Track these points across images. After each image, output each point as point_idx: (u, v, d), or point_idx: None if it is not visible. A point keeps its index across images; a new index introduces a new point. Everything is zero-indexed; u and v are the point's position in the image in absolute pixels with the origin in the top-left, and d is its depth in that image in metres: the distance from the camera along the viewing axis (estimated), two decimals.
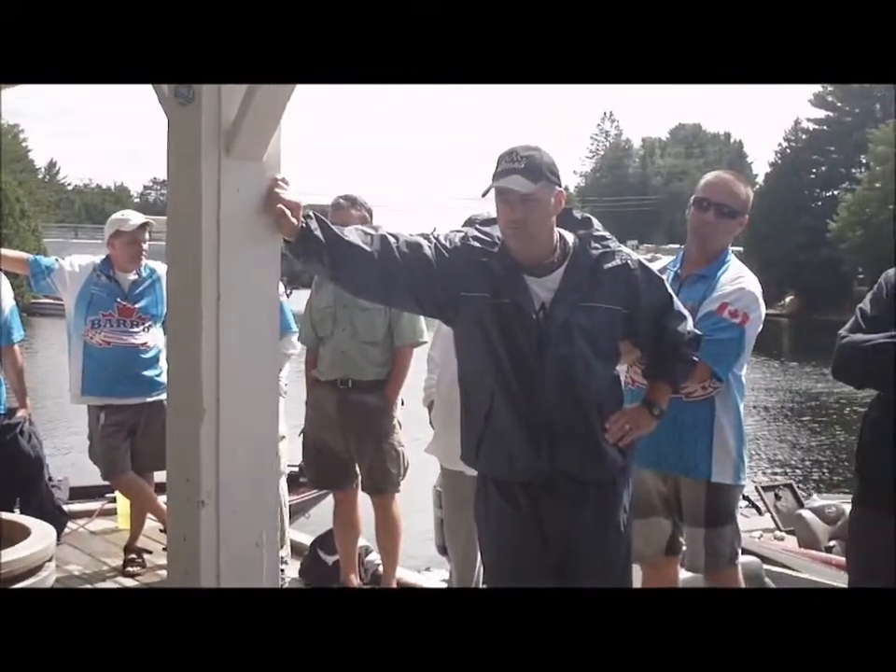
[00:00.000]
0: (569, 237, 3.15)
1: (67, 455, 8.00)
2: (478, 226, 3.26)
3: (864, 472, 3.23)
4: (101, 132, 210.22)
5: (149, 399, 5.48)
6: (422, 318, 4.93)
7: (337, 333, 4.97)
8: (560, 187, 3.09)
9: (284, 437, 5.42)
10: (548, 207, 3.04)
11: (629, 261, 3.16)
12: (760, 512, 9.52)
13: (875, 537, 3.11)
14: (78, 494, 7.02)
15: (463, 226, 3.55)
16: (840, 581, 5.13)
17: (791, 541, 8.37)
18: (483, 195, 3.08)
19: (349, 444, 5.00)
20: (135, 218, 5.61)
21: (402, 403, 5.11)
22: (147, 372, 5.52)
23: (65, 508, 6.25)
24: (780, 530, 8.76)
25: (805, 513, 8.46)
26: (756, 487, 9.84)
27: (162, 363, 5.53)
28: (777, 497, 9.38)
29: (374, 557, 5.51)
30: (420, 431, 5.01)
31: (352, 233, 3.02)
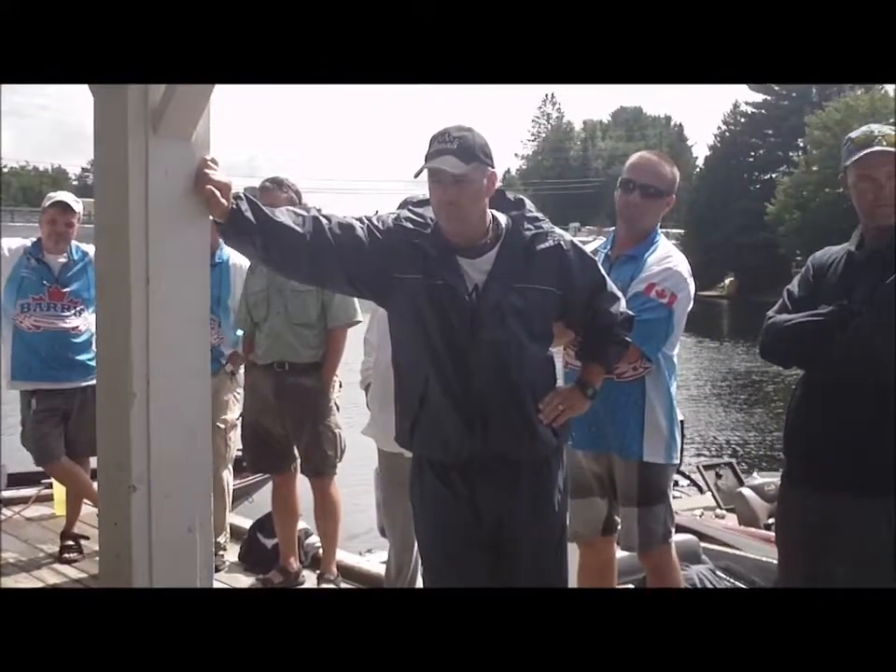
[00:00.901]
0: (502, 218, 3.15)
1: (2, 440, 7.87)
2: (411, 207, 3.24)
3: (790, 450, 3.29)
4: (38, 113, 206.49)
5: (83, 384, 5.40)
6: (355, 299, 4.92)
7: (271, 317, 4.97)
8: (493, 168, 3.08)
9: (235, 425, 5.40)
10: (480, 188, 3.04)
11: (562, 242, 3.16)
12: (701, 491, 9.67)
13: (802, 513, 3.16)
14: (17, 480, 6.95)
15: (398, 208, 3.53)
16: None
17: (732, 519, 8.48)
18: (416, 176, 3.07)
19: (286, 427, 4.99)
20: (59, 197, 5.52)
21: (340, 386, 5.10)
22: (80, 357, 5.45)
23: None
24: (721, 508, 8.88)
25: (746, 491, 8.58)
26: (697, 466, 9.99)
27: (94, 347, 5.46)
28: (718, 476, 9.51)
29: (314, 540, 5.51)
30: (357, 414, 5.00)
31: (283, 214, 2.99)
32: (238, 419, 5.41)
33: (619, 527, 4.07)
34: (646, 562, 3.96)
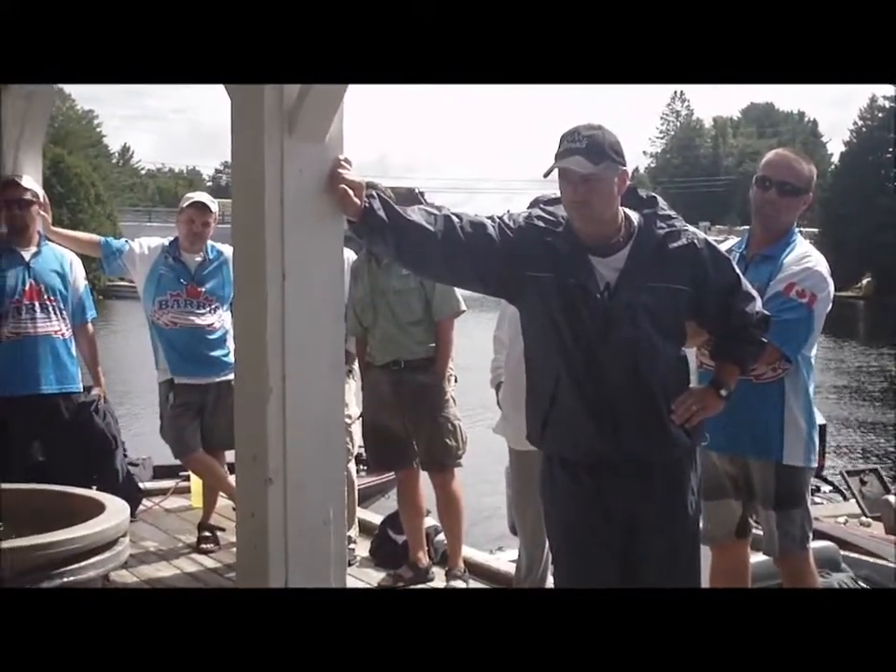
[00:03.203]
0: (634, 216, 3.12)
1: (150, 435, 8.14)
2: (542, 205, 3.24)
3: None
4: (174, 116, 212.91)
5: (217, 380, 5.53)
6: (458, 291, 4.91)
7: (380, 320, 5.05)
8: (624, 166, 3.05)
9: (357, 419, 5.48)
10: (611, 187, 3.01)
11: (695, 241, 3.12)
12: (845, 498, 9.34)
13: None
14: (163, 473, 7.18)
15: (529, 207, 3.53)
16: None
17: (879, 528, 8.18)
18: (545, 176, 3.07)
19: (406, 424, 5.05)
20: (197, 198, 5.68)
21: (455, 380, 5.12)
22: (215, 353, 5.57)
23: (141, 486, 6.37)
24: (866, 516, 8.57)
25: (892, 499, 8.27)
26: (841, 472, 9.65)
27: (230, 344, 5.59)
28: (863, 483, 9.14)
29: (443, 537, 5.54)
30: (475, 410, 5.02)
31: (415, 213, 3.03)
32: (358, 417, 5.47)
33: (753, 531, 3.99)
34: (783, 567, 3.87)
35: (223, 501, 5.94)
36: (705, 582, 3.54)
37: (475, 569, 5.30)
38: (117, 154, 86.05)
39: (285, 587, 2.86)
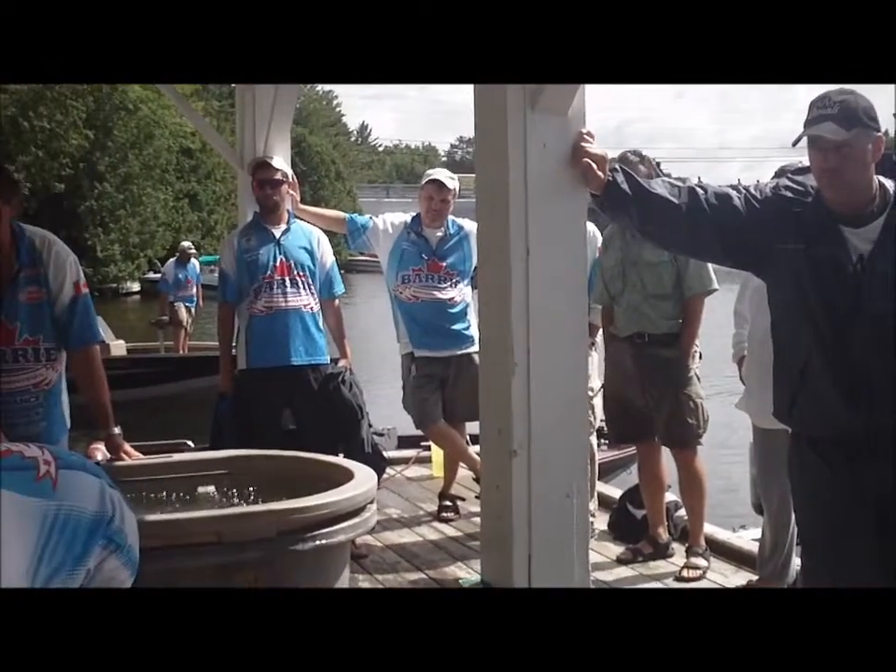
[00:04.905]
0: (890, 185, 2.97)
1: (388, 405, 8.40)
2: (790, 175, 3.13)
3: None
4: (414, 94, 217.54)
5: (458, 352, 5.64)
6: (710, 266, 4.86)
7: (627, 291, 5.00)
8: (878, 132, 2.90)
9: (599, 392, 5.47)
10: (864, 154, 2.87)
11: None
12: None
13: None
14: (406, 442, 7.43)
15: (774, 177, 3.42)
16: None
17: None
18: (794, 144, 2.96)
19: (647, 397, 4.99)
20: (435, 175, 5.80)
21: (700, 356, 5.03)
22: (455, 326, 5.68)
23: (385, 455, 6.59)
24: None
25: None
26: None
27: (470, 317, 5.68)
28: None
29: (683, 513, 5.46)
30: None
31: (659, 186, 2.99)
32: (600, 389, 5.46)
33: None
34: None
35: (463, 472, 6.07)
36: None
37: (717, 547, 5.20)
38: (355, 132, 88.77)
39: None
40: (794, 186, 3.05)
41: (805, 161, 3.04)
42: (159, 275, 19.85)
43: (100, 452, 3.94)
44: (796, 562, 4.33)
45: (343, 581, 3.63)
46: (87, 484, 1.49)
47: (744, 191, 3.05)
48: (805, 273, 2.96)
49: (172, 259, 16.78)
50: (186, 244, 16.88)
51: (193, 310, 15.69)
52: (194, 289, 15.65)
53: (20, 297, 3.69)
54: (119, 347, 14.21)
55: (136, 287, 37.94)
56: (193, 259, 16.01)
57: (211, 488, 3.99)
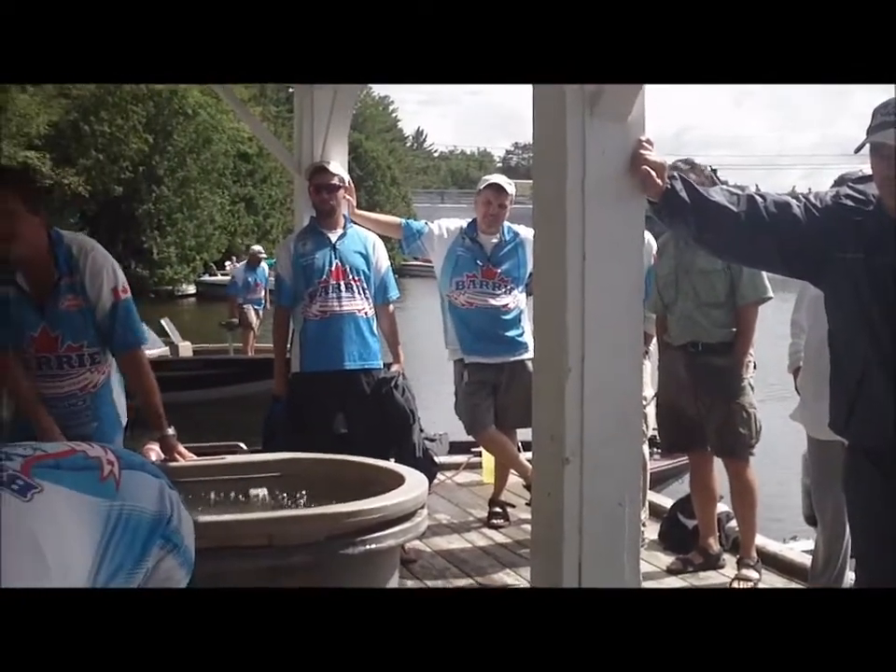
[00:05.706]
0: None
1: (437, 411, 8.40)
2: (850, 184, 3.09)
3: None
4: (468, 99, 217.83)
5: (511, 359, 5.64)
6: (764, 275, 4.82)
7: (680, 299, 4.98)
8: None
9: (652, 400, 5.44)
10: None
11: None
12: None
13: None
14: (456, 448, 7.41)
15: (834, 185, 3.38)
16: None
17: None
18: (856, 151, 2.92)
19: (699, 406, 4.95)
20: (494, 179, 5.79)
21: (754, 366, 4.98)
22: (509, 333, 5.67)
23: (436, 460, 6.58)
24: None
25: None
26: None
27: (524, 324, 5.67)
28: None
29: (735, 524, 5.41)
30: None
31: (717, 194, 2.97)
32: (653, 398, 5.42)
33: None
34: None
35: (513, 478, 6.06)
36: None
37: (768, 559, 5.14)
38: (410, 137, 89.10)
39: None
40: (855, 194, 3.01)
41: (865, 168, 3.00)
42: (213, 278, 20.09)
43: (154, 452, 4.00)
44: (850, 575, 4.27)
45: (393, 586, 3.63)
46: (147, 485, 1.51)
47: (803, 200, 3.02)
48: (864, 282, 2.92)
49: (241, 263, 17.03)
50: (256, 247, 17.16)
51: (261, 312, 15.91)
52: (262, 292, 15.88)
53: (60, 305, 3.75)
54: (185, 349, 14.44)
55: (192, 289, 38.40)
56: (263, 263, 16.23)
57: (262, 491, 4.02)
